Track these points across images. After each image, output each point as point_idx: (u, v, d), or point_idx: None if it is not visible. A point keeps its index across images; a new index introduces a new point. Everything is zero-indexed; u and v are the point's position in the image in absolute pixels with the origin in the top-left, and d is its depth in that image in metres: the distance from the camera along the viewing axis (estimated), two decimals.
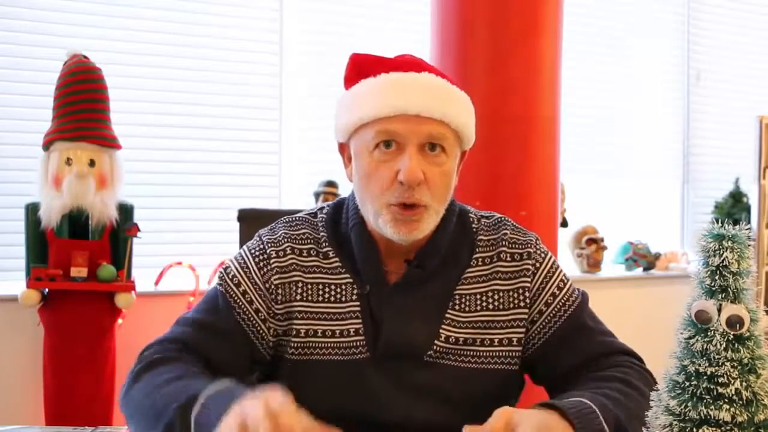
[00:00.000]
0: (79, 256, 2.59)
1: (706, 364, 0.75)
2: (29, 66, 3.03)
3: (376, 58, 1.22)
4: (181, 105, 3.26)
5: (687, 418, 0.76)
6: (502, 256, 1.23)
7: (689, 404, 0.76)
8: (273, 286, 1.19)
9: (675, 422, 0.77)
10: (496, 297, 1.21)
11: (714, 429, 0.75)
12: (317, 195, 3.31)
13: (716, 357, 0.75)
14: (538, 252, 1.24)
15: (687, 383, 0.77)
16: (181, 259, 3.10)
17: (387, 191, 1.14)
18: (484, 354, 1.19)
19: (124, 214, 2.71)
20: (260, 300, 1.19)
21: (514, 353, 1.20)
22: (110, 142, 2.67)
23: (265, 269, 1.20)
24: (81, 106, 2.62)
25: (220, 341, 1.17)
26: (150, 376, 1.09)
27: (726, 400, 0.75)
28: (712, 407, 0.75)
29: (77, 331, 2.61)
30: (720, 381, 0.75)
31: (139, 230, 2.66)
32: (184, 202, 3.28)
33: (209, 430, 0.94)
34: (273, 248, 1.21)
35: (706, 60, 4.50)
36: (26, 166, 2.90)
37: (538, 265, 1.23)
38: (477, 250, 1.23)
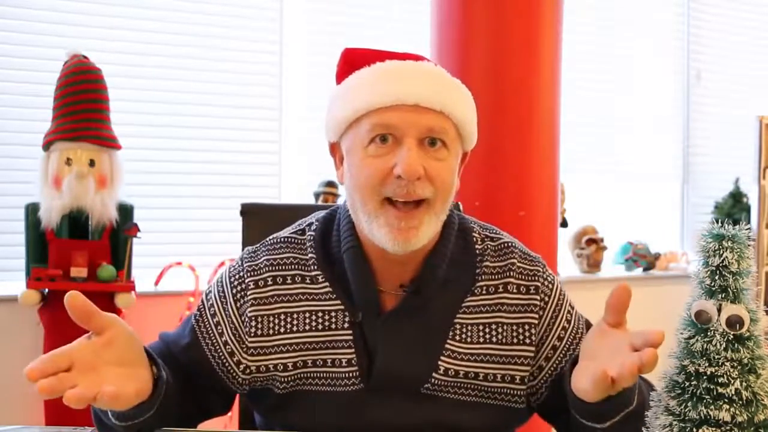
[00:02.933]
0: (79, 256, 2.59)
1: (706, 364, 0.75)
2: (29, 66, 3.03)
3: (369, 50, 1.13)
4: (181, 105, 3.26)
5: (687, 418, 0.76)
6: (509, 288, 1.13)
7: (689, 404, 0.76)
8: (247, 318, 1.11)
9: (675, 422, 0.77)
10: (500, 330, 1.12)
11: (714, 429, 0.75)
12: (317, 195, 3.31)
13: (716, 357, 0.75)
14: (546, 284, 1.15)
15: (687, 383, 0.77)
16: (181, 259, 3.10)
17: (381, 186, 1.04)
18: (486, 389, 1.11)
19: (124, 214, 2.70)
20: (230, 333, 1.12)
21: (517, 391, 1.12)
22: (110, 142, 2.67)
23: (241, 301, 1.13)
24: (81, 106, 2.61)
25: (189, 367, 1.13)
26: None
27: (726, 400, 0.75)
28: (712, 407, 0.75)
29: (77, 331, 2.59)
30: (720, 381, 0.75)
31: (138, 230, 2.66)
32: (184, 202, 3.28)
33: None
34: (252, 278, 1.13)
35: (706, 60, 4.50)
36: (26, 166, 2.90)
37: (546, 299, 1.14)
38: (482, 277, 1.14)
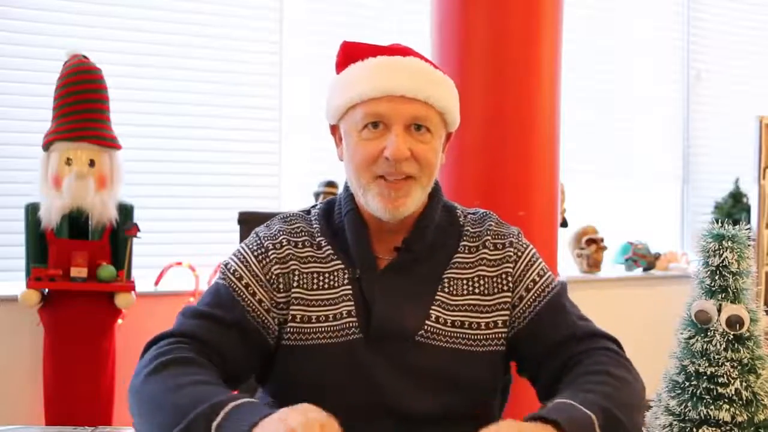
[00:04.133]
0: (79, 256, 2.59)
1: (706, 364, 0.75)
2: (29, 66, 3.03)
3: (364, 44, 1.27)
4: (181, 105, 3.26)
5: (687, 418, 0.76)
6: (486, 244, 1.28)
7: (689, 404, 0.76)
8: (274, 276, 1.23)
9: (675, 422, 0.77)
10: (482, 282, 1.26)
11: (714, 429, 0.75)
12: (317, 195, 3.31)
13: (716, 357, 0.75)
14: (520, 243, 1.30)
15: (687, 383, 0.77)
16: (181, 259, 3.10)
17: (373, 165, 1.20)
18: (472, 337, 1.23)
19: (124, 214, 2.71)
20: (263, 291, 1.22)
21: (500, 335, 1.25)
22: (110, 142, 2.67)
23: (264, 261, 1.24)
24: (81, 106, 2.62)
25: (230, 334, 1.18)
26: (170, 373, 1.07)
27: (726, 400, 0.75)
28: (712, 407, 0.75)
29: (77, 331, 2.61)
30: (720, 381, 0.75)
31: (138, 230, 2.66)
32: (184, 203, 3.28)
33: None
34: (270, 242, 1.26)
35: (706, 60, 4.50)
36: (26, 166, 2.90)
37: (519, 253, 1.29)
38: (464, 239, 1.29)
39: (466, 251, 1.28)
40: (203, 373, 1.09)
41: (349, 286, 1.23)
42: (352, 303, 1.22)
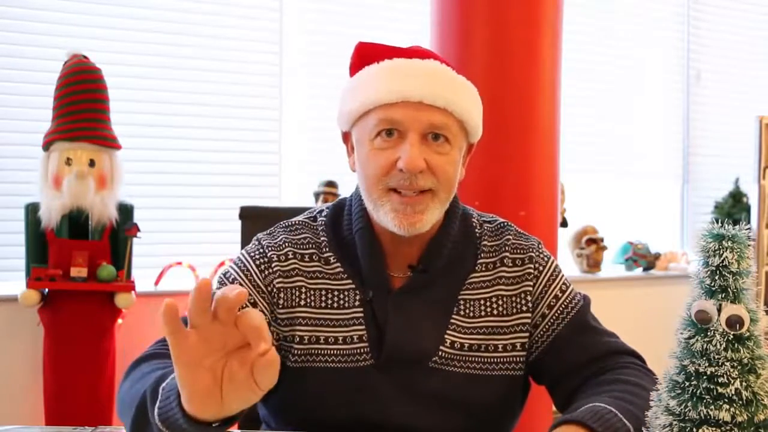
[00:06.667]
0: (79, 256, 2.59)
1: (706, 364, 0.75)
2: (29, 66, 3.03)
3: (380, 45, 1.19)
4: (181, 105, 3.26)
5: (687, 418, 0.76)
6: (505, 261, 1.21)
7: (689, 404, 0.76)
8: (275, 290, 1.16)
9: (675, 422, 0.77)
10: (500, 302, 1.19)
11: (714, 429, 0.75)
12: (317, 195, 3.31)
13: (716, 357, 0.75)
14: (540, 256, 1.23)
15: (687, 383, 0.76)
16: (181, 259, 3.10)
17: (385, 177, 1.11)
18: (489, 360, 1.17)
19: (124, 214, 2.71)
20: (263, 302, 1.15)
21: (518, 358, 1.18)
22: (110, 142, 2.67)
23: (266, 272, 1.16)
24: (81, 106, 2.62)
25: None
26: (136, 371, 1.03)
27: (726, 400, 0.74)
28: (712, 407, 0.75)
29: (77, 331, 2.61)
30: (720, 381, 0.75)
31: (138, 230, 2.66)
32: (184, 202, 3.28)
33: (173, 420, 0.85)
34: (274, 252, 1.17)
35: (706, 60, 4.50)
36: (26, 166, 2.90)
37: (540, 268, 1.21)
38: (481, 255, 1.21)
39: (483, 269, 1.20)
40: (164, 363, 0.99)
41: (361, 309, 1.15)
42: (364, 327, 1.15)
